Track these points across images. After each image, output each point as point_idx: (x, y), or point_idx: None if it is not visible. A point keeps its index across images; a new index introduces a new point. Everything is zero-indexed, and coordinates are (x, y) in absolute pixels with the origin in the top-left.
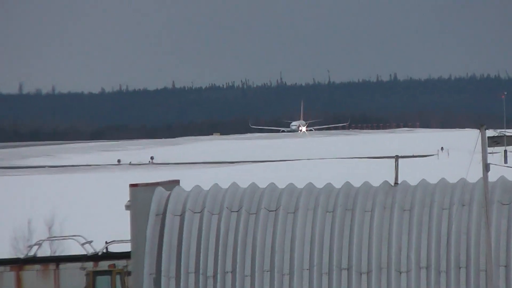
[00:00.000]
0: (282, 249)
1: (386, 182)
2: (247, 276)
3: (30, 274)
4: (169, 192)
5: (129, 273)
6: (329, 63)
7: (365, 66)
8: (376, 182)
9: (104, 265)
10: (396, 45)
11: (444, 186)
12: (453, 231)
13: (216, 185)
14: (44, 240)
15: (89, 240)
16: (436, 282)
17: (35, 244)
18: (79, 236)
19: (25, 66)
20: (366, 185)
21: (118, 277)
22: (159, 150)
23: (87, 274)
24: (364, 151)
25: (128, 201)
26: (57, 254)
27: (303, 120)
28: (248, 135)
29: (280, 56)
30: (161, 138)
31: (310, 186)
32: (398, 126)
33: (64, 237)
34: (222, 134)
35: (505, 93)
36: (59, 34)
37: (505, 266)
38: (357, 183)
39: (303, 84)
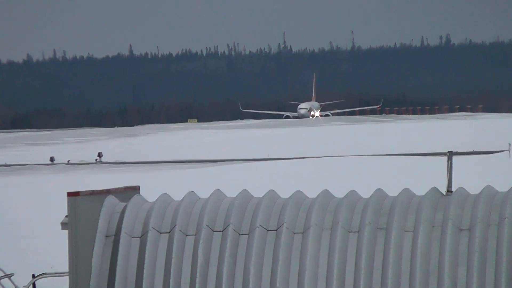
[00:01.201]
0: (286, 285)
1: (434, 190)
2: None
3: None
4: (125, 203)
5: None
6: (352, 21)
7: (403, 25)
8: (420, 190)
9: None
10: None
11: None
12: None
13: (192, 193)
14: None
15: (9, 273)
16: None
17: None
18: None
19: None
20: (406, 193)
21: None
22: (110, 143)
23: None
24: (403, 145)
25: (66, 216)
26: None
27: (316, 101)
28: (238, 122)
29: (283, 11)
30: (112, 127)
31: (325, 195)
32: (451, 110)
33: None
34: (200, 121)
35: None
36: None
37: None
38: (393, 191)
39: (316, 50)
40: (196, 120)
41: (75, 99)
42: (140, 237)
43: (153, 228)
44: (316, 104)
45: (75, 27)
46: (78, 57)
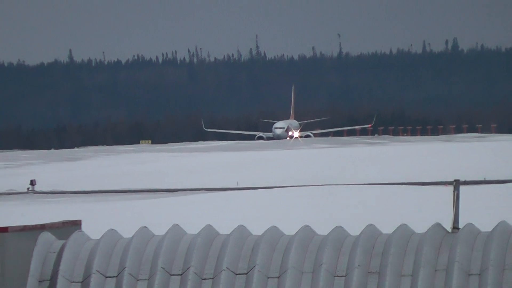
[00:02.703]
0: None
1: (438, 226)
2: None
3: None
4: (64, 241)
5: None
6: (339, 22)
7: (401, 28)
8: (420, 226)
9: None
10: None
11: None
12: None
13: (144, 229)
14: None
15: None
16: None
17: None
18: None
19: None
20: (404, 230)
21: None
22: (45, 169)
23: None
24: (399, 172)
25: None
26: None
27: (295, 119)
28: (201, 144)
29: (256, 10)
30: (48, 149)
31: (306, 232)
32: (459, 131)
33: None
34: (154, 142)
35: None
36: None
37: None
38: (387, 227)
39: (295, 57)
40: (149, 141)
41: (2, 114)
42: (82, 282)
43: (98, 271)
44: (295, 122)
45: (3, 29)
46: (6, 64)
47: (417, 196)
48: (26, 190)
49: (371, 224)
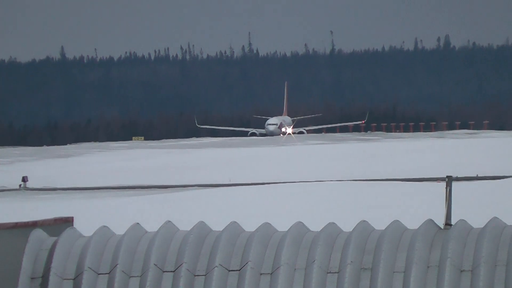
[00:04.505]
0: None
1: (430, 223)
2: None
3: None
4: (56, 238)
5: None
6: (332, 19)
7: (393, 25)
8: (412, 222)
9: None
10: None
11: None
12: None
13: (137, 226)
14: None
15: None
16: None
17: None
18: None
19: None
20: (396, 227)
21: None
22: (37, 165)
23: None
24: (392, 168)
25: None
26: None
27: (288, 115)
28: (194, 140)
29: (248, 7)
30: (40, 146)
31: (299, 229)
32: (451, 127)
33: None
34: (147, 139)
35: None
36: None
37: None
38: (380, 223)
39: (288, 54)
40: (142, 138)
41: None
42: (74, 279)
43: (90, 268)
44: (288, 119)
45: None
46: None
47: (409, 192)
48: (18, 187)
49: (363, 221)
